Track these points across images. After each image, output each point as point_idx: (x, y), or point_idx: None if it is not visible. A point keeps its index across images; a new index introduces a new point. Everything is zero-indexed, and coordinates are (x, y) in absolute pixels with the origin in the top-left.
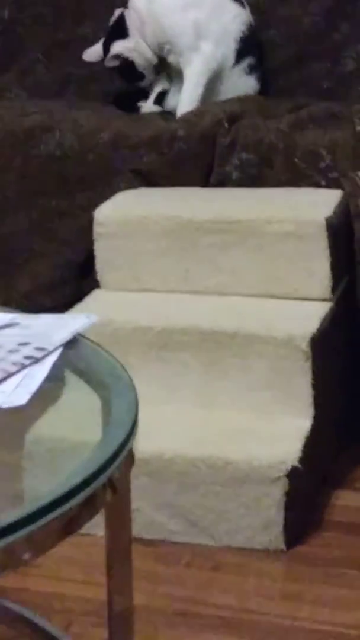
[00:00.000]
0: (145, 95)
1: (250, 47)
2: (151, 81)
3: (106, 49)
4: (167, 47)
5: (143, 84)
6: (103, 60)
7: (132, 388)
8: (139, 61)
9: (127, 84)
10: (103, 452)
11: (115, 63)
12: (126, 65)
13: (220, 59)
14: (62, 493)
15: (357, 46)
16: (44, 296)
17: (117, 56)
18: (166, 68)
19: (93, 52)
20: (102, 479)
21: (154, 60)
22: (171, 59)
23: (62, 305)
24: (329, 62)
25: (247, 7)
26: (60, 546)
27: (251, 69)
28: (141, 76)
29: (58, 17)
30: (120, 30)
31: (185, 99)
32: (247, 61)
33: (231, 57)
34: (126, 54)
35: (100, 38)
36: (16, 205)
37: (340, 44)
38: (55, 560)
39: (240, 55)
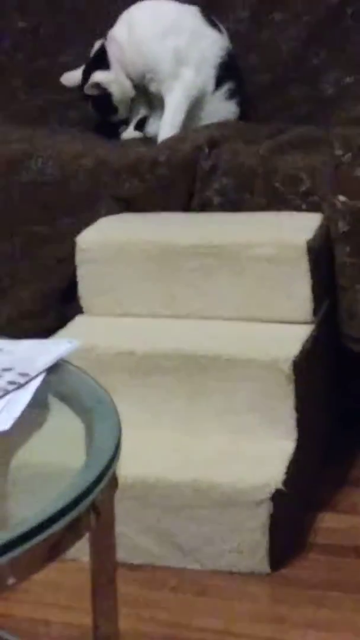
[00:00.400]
0: (125, 121)
1: (229, 72)
2: (123, 116)
3: (86, 77)
4: (148, 75)
5: (115, 118)
6: (80, 86)
7: (115, 412)
8: (116, 94)
9: (100, 116)
10: (86, 477)
11: (94, 92)
12: (103, 96)
13: (201, 86)
14: (46, 517)
15: (335, 71)
16: (28, 322)
17: (97, 85)
18: (147, 95)
19: (72, 77)
20: (86, 503)
21: (132, 93)
22: (152, 87)
23: (45, 331)
24: (308, 87)
25: (225, 33)
26: (45, 571)
27: (231, 94)
28: (115, 110)
29: (38, 45)
30: (101, 61)
31: (166, 125)
32: (227, 86)
33: (211, 83)
34: (105, 84)
35: (80, 66)
36: None
37: (319, 69)
38: (39, 585)
39: (219, 81)
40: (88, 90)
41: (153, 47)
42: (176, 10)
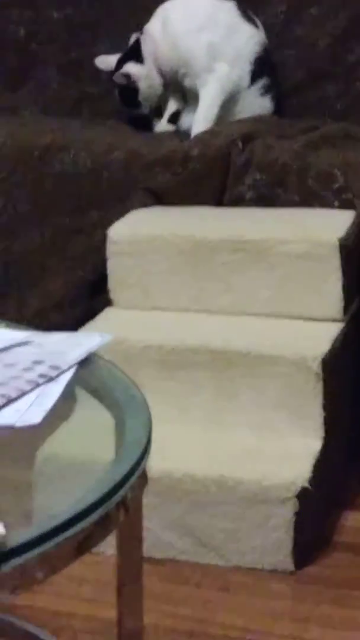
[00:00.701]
0: (159, 114)
1: (264, 68)
2: (146, 111)
3: (119, 65)
4: (182, 70)
5: (136, 111)
6: (112, 72)
7: (146, 407)
8: (143, 90)
9: (123, 106)
10: (117, 472)
11: (123, 81)
12: (130, 89)
13: (236, 80)
14: (76, 512)
15: None
16: (56, 314)
17: (127, 76)
18: (180, 89)
19: (106, 61)
20: (116, 498)
21: (159, 91)
22: (187, 82)
23: (74, 323)
24: (342, 83)
25: (261, 28)
26: (70, 565)
27: (266, 90)
28: (138, 105)
29: (73, 36)
30: (135, 54)
31: (200, 119)
32: (262, 82)
33: (246, 78)
34: (135, 77)
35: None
36: (29, 223)
37: (354, 65)
38: (64, 578)
39: (254, 76)
40: (117, 78)
41: (188, 42)
42: (211, 4)
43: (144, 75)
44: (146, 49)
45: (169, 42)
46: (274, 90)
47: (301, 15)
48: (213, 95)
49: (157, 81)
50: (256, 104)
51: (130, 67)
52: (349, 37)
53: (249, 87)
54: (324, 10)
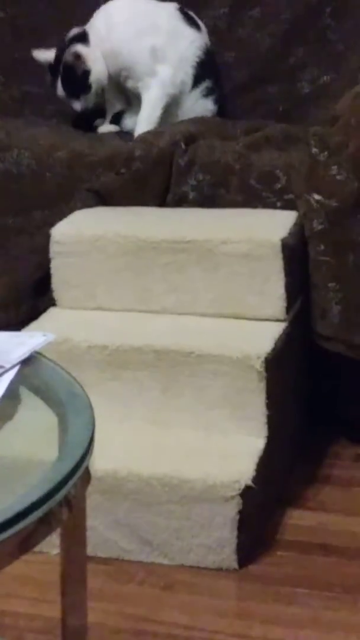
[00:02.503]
0: (102, 115)
1: (207, 70)
2: (91, 104)
3: (61, 51)
4: (124, 73)
5: (84, 99)
6: (51, 64)
7: (89, 406)
8: (94, 73)
9: (69, 92)
10: (60, 470)
11: (70, 59)
12: (80, 70)
13: (178, 84)
14: (18, 511)
15: (313, 69)
16: (0, 314)
17: (77, 56)
18: (123, 91)
19: (45, 54)
20: (59, 497)
21: (105, 81)
22: (129, 84)
23: (17, 323)
24: (285, 84)
25: (204, 30)
26: (13, 564)
27: (208, 92)
28: (88, 88)
29: (15, 37)
30: (82, 39)
31: (142, 121)
32: (205, 85)
33: (188, 82)
34: (85, 58)
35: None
36: None
37: (297, 66)
38: (8, 578)
39: (197, 80)
40: (68, 56)
41: (130, 46)
42: (153, 8)
43: (93, 57)
44: (93, 37)
45: (111, 45)
46: (217, 92)
47: (243, 17)
48: (155, 98)
49: (104, 70)
50: (199, 106)
51: (80, 48)
52: (290, 38)
53: (191, 90)
54: (266, 12)
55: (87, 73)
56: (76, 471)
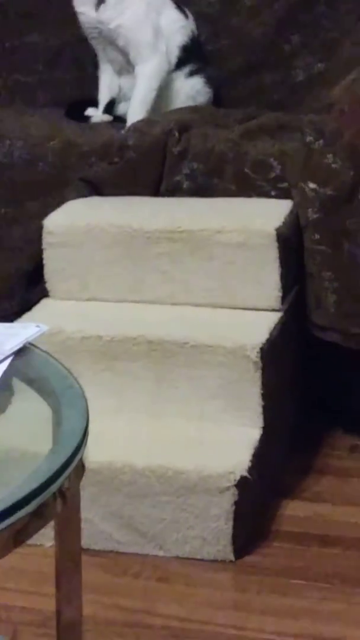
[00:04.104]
0: (94, 104)
1: (192, 55)
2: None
3: None
4: (124, 44)
5: None
6: None
7: (83, 397)
8: None
9: None
10: (53, 462)
11: None
12: None
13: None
14: (11, 503)
15: (307, 57)
16: None
17: None
18: (118, 71)
19: None
20: (53, 488)
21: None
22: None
23: (10, 313)
24: (279, 72)
25: (191, 18)
26: (8, 557)
27: (192, 74)
28: None
29: (5, 26)
30: None
31: (137, 101)
32: (189, 67)
33: (172, 62)
34: None
35: (48, 46)
36: None
37: (291, 54)
38: (3, 570)
39: (181, 62)
40: None
41: (138, 19)
42: None
43: None
44: None
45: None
46: (203, 75)
47: (236, 4)
48: (151, 76)
49: None
50: (185, 86)
51: None
52: (284, 26)
53: (174, 71)
54: (258, 1)
55: None
56: (70, 463)
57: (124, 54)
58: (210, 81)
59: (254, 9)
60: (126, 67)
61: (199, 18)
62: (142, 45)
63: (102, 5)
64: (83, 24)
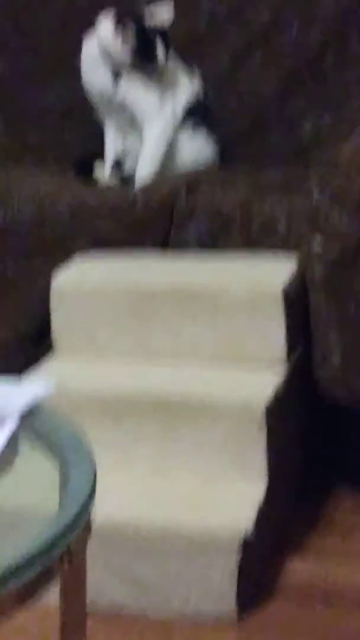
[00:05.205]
0: (101, 158)
1: (197, 114)
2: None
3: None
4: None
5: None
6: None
7: (91, 457)
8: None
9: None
10: (61, 522)
11: None
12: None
13: (176, 125)
14: (19, 563)
15: (314, 116)
16: (0, 361)
17: None
18: (122, 129)
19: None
20: (60, 549)
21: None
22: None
23: (17, 370)
24: (287, 130)
25: (198, 78)
26: (13, 615)
27: (198, 132)
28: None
29: (17, 86)
30: None
31: (146, 162)
32: (195, 126)
33: (180, 124)
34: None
35: (57, 107)
36: None
37: (298, 112)
38: (6, 629)
39: (185, 119)
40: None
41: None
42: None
43: None
44: None
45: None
46: (213, 135)
47: (244, 64)
48: (159, 136)
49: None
50: (190, 148)
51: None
52: (291, 86)
53: (181, 129)
54: (267, 59)
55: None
56: (77, 523)
57: (131, 116)
58: (217, 139)
59: (262, 68)
60: (132, 128)
61: (208, 76)
62: (149, 109)
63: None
64: (91, 90)
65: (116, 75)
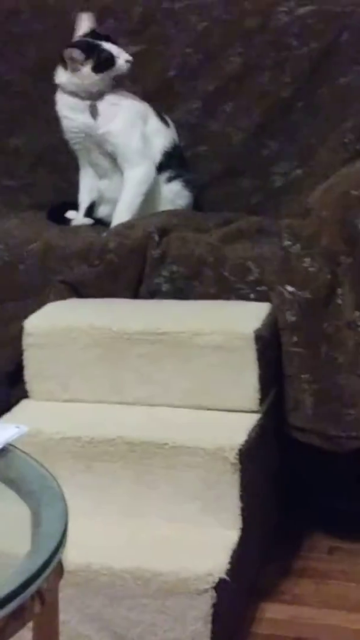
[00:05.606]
0: (75, 207)
1: (173, 161)
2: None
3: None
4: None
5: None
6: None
7: (62, 499)
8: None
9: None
10: (32, 563)
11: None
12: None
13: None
14: None
15: (285, 163)
16: None
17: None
18: (98, 172)
19: None
20: (31, 590)
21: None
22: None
23: None
24: (258, 177)
25: (172, 126)
26: None
27: (172, 178)
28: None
29: None
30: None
31: (125, 205)
32: (167, 174)
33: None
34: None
35: (30, 150)
36: None
37: (269, 160)
38: None
39: (161, 167)
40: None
41: (128, 121)
42: (140, 101)
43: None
44: None
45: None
46: (186, 182)
47: (215, 111)
48: (139, 183)
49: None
50: (165, 194)
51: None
52: (263, 132)
53: (156, 176)
54: (238, 106)
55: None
56: (49, 564)
57: (110, 158)
58: (190, 185)
59: (232, 116)
60: (108, 171)
61: (180, 124)
62: (131, 152)
63: (97, 115)
64: (68, 129)
65: (93, 108)
